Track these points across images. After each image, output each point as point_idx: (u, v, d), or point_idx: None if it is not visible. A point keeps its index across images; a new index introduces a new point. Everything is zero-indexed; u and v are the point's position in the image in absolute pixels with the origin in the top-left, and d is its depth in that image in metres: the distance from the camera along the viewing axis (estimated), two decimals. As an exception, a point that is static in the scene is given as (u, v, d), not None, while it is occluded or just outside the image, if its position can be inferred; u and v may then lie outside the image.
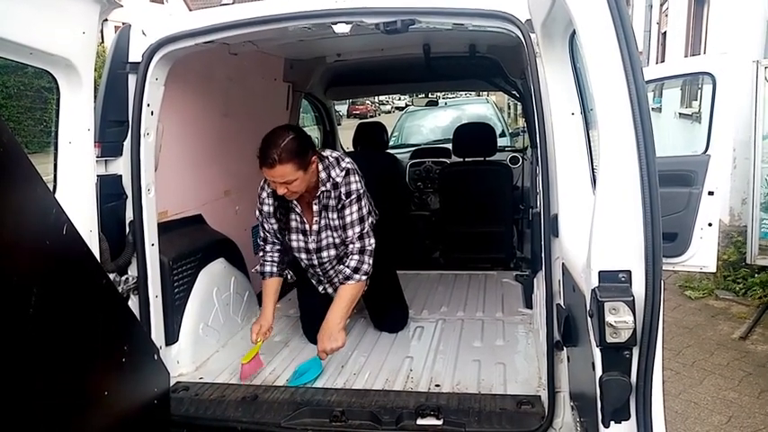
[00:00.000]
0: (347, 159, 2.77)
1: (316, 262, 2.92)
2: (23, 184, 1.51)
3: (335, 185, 2.72)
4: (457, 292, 3.74)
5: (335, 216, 2.78)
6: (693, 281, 5.83)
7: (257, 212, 2.89)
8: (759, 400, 3.76)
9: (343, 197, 2.73)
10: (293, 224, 2.85)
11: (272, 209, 2.83)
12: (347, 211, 2.74)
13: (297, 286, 3.25)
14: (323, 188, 2.71)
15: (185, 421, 2.34)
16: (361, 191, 2.76)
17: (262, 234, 2.93)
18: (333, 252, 2.89)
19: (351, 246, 2.78)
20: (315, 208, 2.79)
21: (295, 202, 2.77)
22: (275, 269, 2.91)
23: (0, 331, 1.43)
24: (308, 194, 2.72)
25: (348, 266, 2.76)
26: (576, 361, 1.92)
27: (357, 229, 2.76)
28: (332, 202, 2.77)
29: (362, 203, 2.76)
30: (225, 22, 2.37)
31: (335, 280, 2.99)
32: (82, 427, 1.77)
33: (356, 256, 2.76)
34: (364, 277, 2.77)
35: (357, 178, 2.75)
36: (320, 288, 3.08)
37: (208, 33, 2.39)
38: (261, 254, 2.94)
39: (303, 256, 2.91)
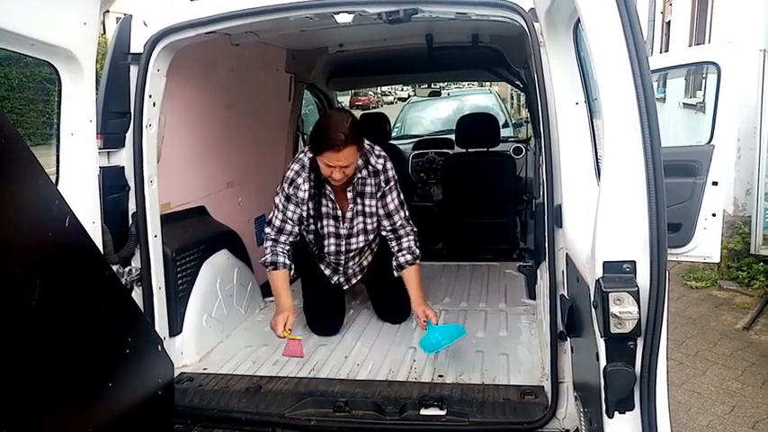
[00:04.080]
0: (378, 146, 2.82)
1: (343, 248, 2.95)
2: (25, 176, 1.51)
3: (376, 172, 2.79)
4: (460, 283, 3.74)
5: (373, 203, 2.83)
6: (697, 271, 5.82)
7: (282, 199, 2.81)
8: (762, 390, 3.76)
9: (383, 184, 2.79)
10: (324, 210, 2.85)
11: (307, 194, 2.79)
12: (389, 198, 2.83)
13: (303, 279, 3.24)
14: (359, 174, 2.75)
15: (189, 412, 2.35)
16: (397, 177, 2.84)
17: (277, 223, 2.83)
18: (362, 238, 2.93)
19: (402, 230, 2.89)
20: (349, 195, 2.81)
21: (329, 187, 2.79)
22: (287, 260, 2.85)
23: (3, 323, 1.43)
24: None
25: (410, 251, 2.86)
26: (579, 351, 1.92)
27: (402, 213, 2.89)
28: (369, 189, 2.81)
29: (399, 189, 2.85)
30: (226, 12, 2.36)
31: (350, 271, 3.08)
32: (87, 419, 1.78)
33: (412, 237, 2.89)
34: (418, 259, 2.89)
35: (392, 165, 2.84)
36: (334, 278, 3.10)
37: (209, 24, 2.38)
38: (270, 243, 2.83)
39: (332, 241, 2.92)
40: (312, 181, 2.77)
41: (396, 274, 2.90)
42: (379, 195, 2.83)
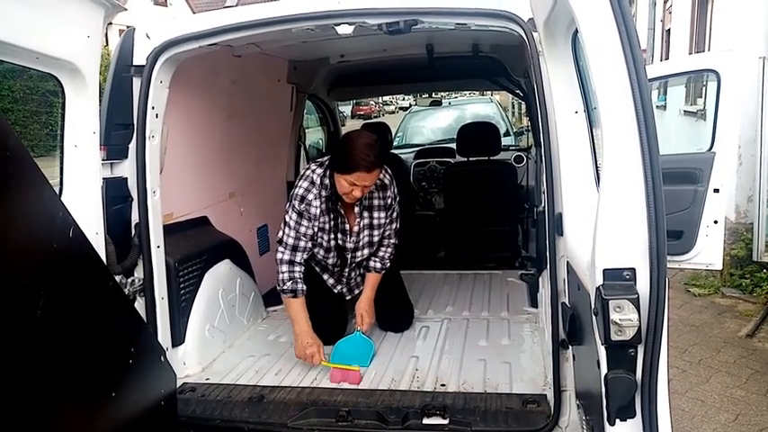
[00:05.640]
0: None
1: (348, 260, 2.99)
2: (30, 187, 1.52)
3: (383, 187, 2.89)
4: (462, 292, 3.73)
5: (382, 215, 2.92)
6: (699, 279, 5.80)
7: (294, 216, 2.79)
8: (767, 398, 3.74)
9: (389, 200, 2.91)
10: (333, 224, 2.87)
11: (318, 210, 2.80)
12: (390, 211, 2.96)
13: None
14: None
15: (192, 422, 2.35)
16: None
17: (291, 241, 2.79)
18: (366, 251, 2.98)
19: (386, 240, 3.03)
20: (356, 209, 2.87)
21: (339, 202, 2.83)
22: (304, 286, 2.81)
23: (8, 333, 1.44)
24: None
25: (382, 260, 3.02)
26: (581, 359, 1.92)
27: (394, 225, 3.03)
28: (376, 202, 2.90)
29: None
30: (228, 24, 2.38)
31: (352, 282, 3.12)
32: (90, 428, 1.78)
33: (390, 250, 3.05)
34: (385, 270, 3.06)
35: (392, 176, 2.96)
36: (337, 287, 3.13)
37: (211, 36, 2.40)
38: (286, 268, 2.78)
39: (338, 253, 2.95)
40: (323, 197, 2.79)
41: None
42: (385, 209, 2.92)
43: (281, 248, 2.82)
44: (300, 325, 2.78)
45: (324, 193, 2.79)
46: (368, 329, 2.93)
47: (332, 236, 2.89)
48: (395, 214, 3.00)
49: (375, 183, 2.80)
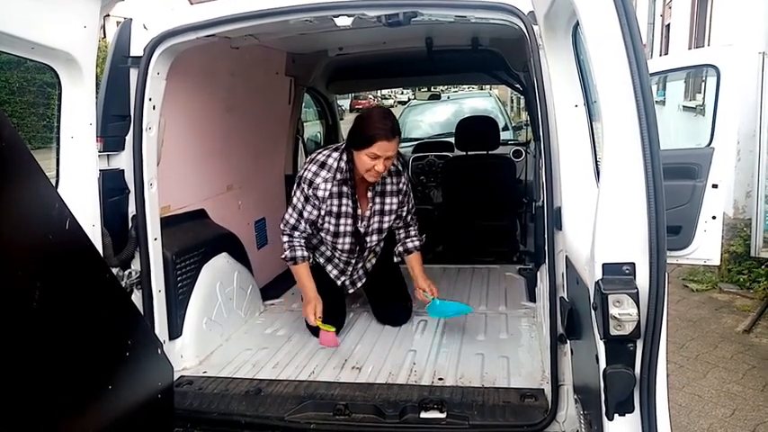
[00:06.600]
0: None
1: (357, 248, 2.99)
2: (26, 179, 1.51)
3: (398, 172, 2.94)
4: (460, 286, 3.73)
5: (395, 200, 2.95)
6: (697, 274, 5.81)
7: (301, 199, 2.86)
8: (763, 393, 3.75)
9: (403, 186, 2.96)
10: (343, 209, 2.88)
11: (326, 193, 2.82)
12: (408, 198, 3.04)
13: None
14: None
15: (189, 415, 2.35)
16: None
17: (292, 222, 2.90)
18: (375, 237, 3.00)
19: (411, 221, 3.10)
20: (369, 194, 2.89)
21: (352, 186, 2.85)
22: (306, 253, 2.95)
23: (4, 326, 1.43)
24: (363, 180, 2.82)
25: (417, 238, 3.11)
26: (579, 354, 1.92)
27: (411, 203, 3.09)
28: (389, 188, 2.93)
29: None
30: (226, 15, 2.37)
31: (356, 275, 3.14)
32: (86, 421, 1.78)
33: (417, 227, 3.14)
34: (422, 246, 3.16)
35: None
36: (341, 279, 3.14)
37: (209, 27, 2.39)
38: (287, 239, 2.93)
39: (348, 239, 2.96)
40: (336, 180, 2.80)
41: (397, 258, 3.14)
42: (398, 194, 2.95)
43: (281, 225, 2.94)
44: (303, 289, 2.94)
45: (338, 176, 2.80)
46: (437, 294, 2.99)
47: (341, 220, 2.90)
48: (413, 201, 3.08)
49: (389, 169, 2.80)
